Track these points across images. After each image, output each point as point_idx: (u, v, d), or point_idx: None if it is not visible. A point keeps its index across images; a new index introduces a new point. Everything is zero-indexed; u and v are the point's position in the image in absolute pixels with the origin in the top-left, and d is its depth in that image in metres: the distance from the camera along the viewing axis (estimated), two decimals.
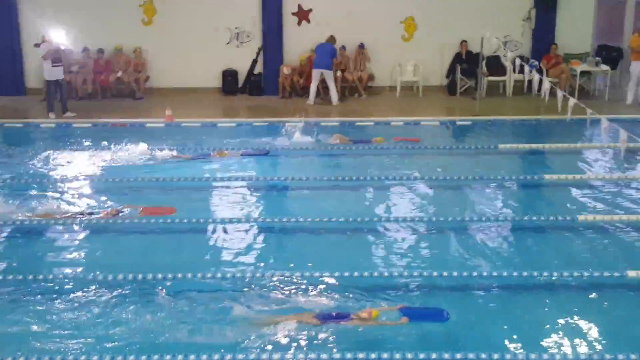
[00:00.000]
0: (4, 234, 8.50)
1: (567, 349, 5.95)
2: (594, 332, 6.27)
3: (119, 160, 11.52)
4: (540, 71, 15.71)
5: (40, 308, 6.65)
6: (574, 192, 10.07)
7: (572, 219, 8.77)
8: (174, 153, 11.81)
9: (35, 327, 6.33)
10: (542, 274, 7.18)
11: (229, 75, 17.28)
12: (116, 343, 6.07)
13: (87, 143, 12.65)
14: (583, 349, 5.96)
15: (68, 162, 11.57)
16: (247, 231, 8.57)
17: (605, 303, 6.79)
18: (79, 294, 6.91)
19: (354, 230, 8.56)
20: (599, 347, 5.99)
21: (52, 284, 7.13)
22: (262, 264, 7.64)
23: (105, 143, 12.29)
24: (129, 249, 8.23)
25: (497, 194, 10.08)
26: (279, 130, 13.19)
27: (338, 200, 9.83)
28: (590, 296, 6.90)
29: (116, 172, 10.83)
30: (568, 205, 9.49)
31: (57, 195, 9.88)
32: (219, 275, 7.24)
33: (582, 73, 16.52)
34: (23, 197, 9.59)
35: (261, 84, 17.25)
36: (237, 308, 6.54)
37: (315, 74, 16.09)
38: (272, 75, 16.94)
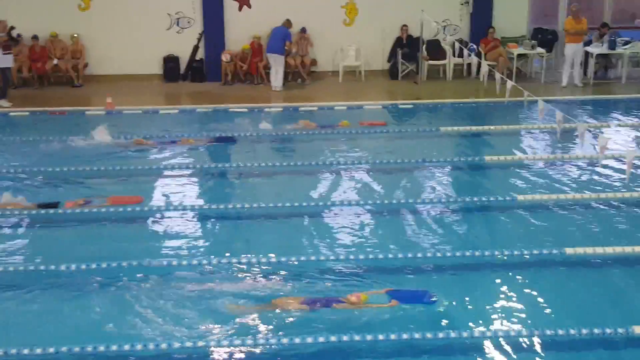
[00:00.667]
0: None
1: (508, 326, 6.15)
2: (534, 308, 6.48)
3: (81, 148, 11.39)
4: (478, 55, 16.00)
5: None
6: (514, 172, 10.34)
7: (512, 199, 9.02)
8: (139, 140, 11.74)
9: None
10: (484, 253, 7.38)
11: (170, 62, 17.09)
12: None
13: (30, 132, 12.40)
14: (523, 324, 6.16)
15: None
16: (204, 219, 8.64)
17: (545, 280, 7.01)
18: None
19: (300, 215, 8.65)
20: (539, 322, 6.19)
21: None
22: (227, 252, 7.61)
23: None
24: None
25: (439, 175, 10.27)
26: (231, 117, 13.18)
27: (289, 185, 9.93)
28: (530, 273, 7.12)
29: (79, 161, 10.64)
30: (508, 185, 9.74)
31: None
32: (194, 262, 7.26)
33: (519, 56, 16.88)
34: None
35: (203, 71, 17.12)
36: (221, 295, 6.56)
37: (269, 58, 16.12)
38: (214, 61, 16.83)
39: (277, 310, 6.32)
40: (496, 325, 6.16)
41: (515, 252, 7.39)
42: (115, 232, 8.29)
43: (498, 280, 6.98)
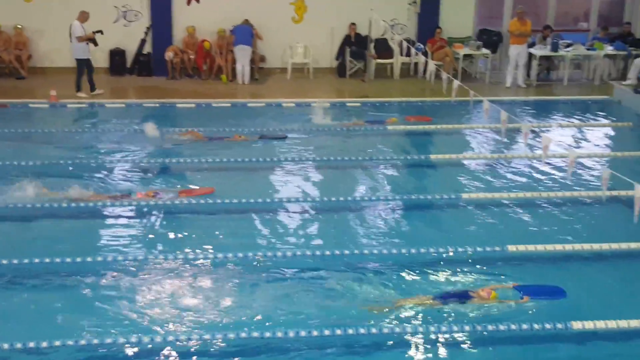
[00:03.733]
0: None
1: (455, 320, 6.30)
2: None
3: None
4: (425, 54, 16.20)
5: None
6: (459, 171, 10.53)
7: (457, 197, 9.19)
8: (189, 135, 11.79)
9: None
10: (429, 250, 7.51)
11: (117, 55, 16.86)
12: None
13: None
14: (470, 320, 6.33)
15: None
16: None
17: (488, 277, 7.16)
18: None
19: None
20: (479, 317, 6.36)
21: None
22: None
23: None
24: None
25: (385, 173, 10.40)
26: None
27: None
28: (475, 270, 7.27)
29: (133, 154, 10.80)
30: (453, 183, 9.92)
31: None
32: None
33: (465, 56, 17.16)
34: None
35: (150, 65, 16.94)
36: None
37: (238, 51, 16.16)
38: (161, 55, 16.65)
39: (410, 306, 6.44)
40: None
41: (460, 249, 7.54)
42: None
43: (454, 280, 7.12)
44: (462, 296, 6.57)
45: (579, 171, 10.36)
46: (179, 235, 8.02)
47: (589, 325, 6.12)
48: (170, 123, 12.72)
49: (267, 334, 5.92)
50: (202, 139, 11.65)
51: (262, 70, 17.29)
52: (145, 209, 8.67)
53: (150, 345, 5.79)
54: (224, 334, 5.92)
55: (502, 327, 6.01)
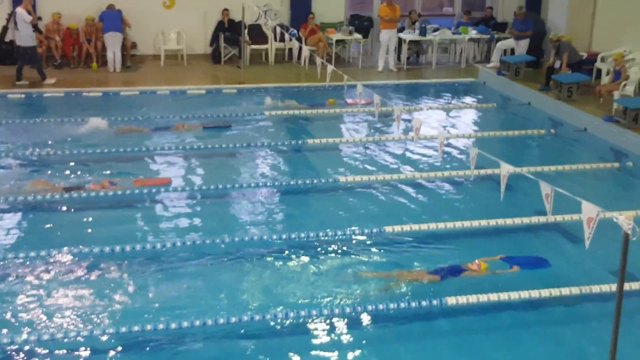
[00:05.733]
0: None
1: (329, 302, 6.46)
2: (368, 280, 6.85)
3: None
4: (299, 40, 16.32)
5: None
6: (335, 154, 10.74)
7: (334, 181, 9.38)
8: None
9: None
10: (309, 235, 7.66)
11: None
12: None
13: None
14: (345, 301, 6.51)
15: None
16: None
17: (365, 257, 7.41)
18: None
19: None
20: (361, 296, 6.56)
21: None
22: None
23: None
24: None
25: (264, 159, 10.46)
26: None
27: None
28: (353, 251, 7.49)
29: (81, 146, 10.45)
30: (329, 167, 10.11)
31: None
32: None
33: (338, 41, 17.42)
34: None
35: (13, 53, 16.10)
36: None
37: (108, 38, 15.69)
38: None
39: (409, 281, 6.75)
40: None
41: (339, 232, 7.73)
42: None
43: (336, 261, 7.28)
44: (456, 270, 6.93)
45: (451, 151, 10.82)
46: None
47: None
48: (35, 115, 12.23)
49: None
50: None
51: (134, 57, 16.88)
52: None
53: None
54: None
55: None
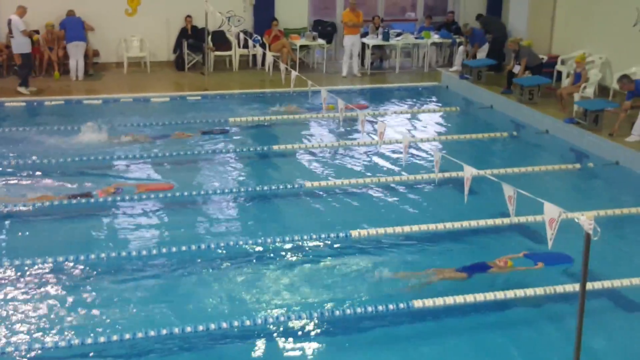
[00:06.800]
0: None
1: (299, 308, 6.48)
2: (331, 286, 6.92)
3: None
4: (263, 46, 16.32)
5: None
6: (300, 160, 10.76)
7: (300, 186, 9.39)
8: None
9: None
10: (275, 240, 7.69)
11: None
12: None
13: None
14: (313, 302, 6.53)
15: None
16: None
17: (331, 260, 7.45)
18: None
19: None
20: (330, 300, 6.60)
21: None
22: None
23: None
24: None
25: (229, 166, 10.43)
26: None
27: None
28: (319, 256, 7.53)
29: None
30: (295, 173, 10.12)
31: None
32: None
33: (302, 47, 17.44)
34: None
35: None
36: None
37: (72, 47, 15.50)
38: None
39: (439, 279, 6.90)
40: None
41: (305, 237, 7.76)
42: None
43: (302, 266, 7.29)
44: (482, 267, 7.05)
45: (416, 154, 10.90)
46: None
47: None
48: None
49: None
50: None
51: (97, 65, 16.70)
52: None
53: None
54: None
55: None
